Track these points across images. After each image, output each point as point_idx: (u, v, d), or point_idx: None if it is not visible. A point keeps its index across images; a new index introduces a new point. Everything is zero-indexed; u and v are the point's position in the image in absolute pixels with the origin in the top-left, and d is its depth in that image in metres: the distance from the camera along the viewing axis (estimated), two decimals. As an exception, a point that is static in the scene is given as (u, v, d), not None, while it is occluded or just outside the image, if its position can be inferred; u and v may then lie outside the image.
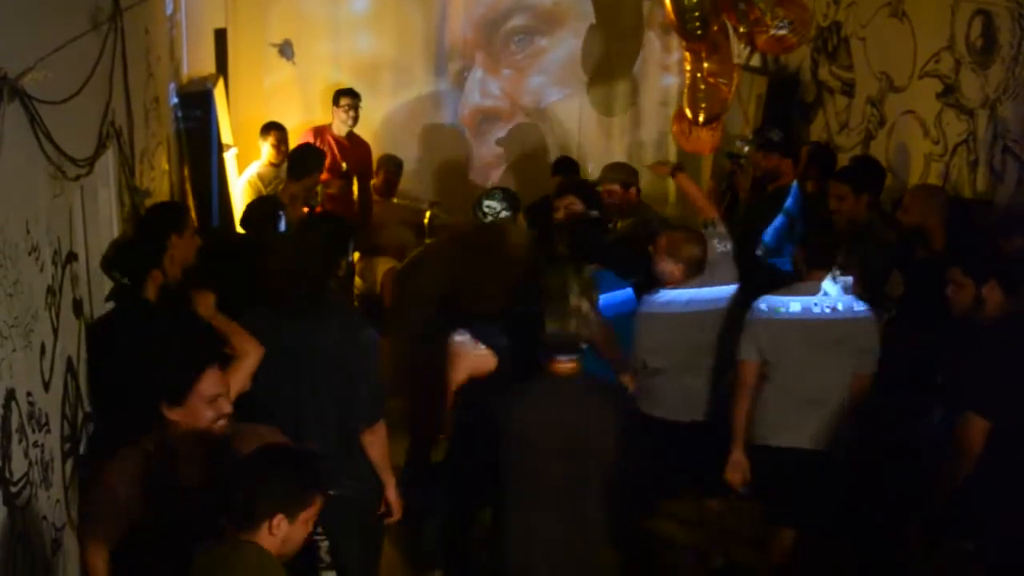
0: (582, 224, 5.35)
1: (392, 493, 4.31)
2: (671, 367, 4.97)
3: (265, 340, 4.01)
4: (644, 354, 4.95)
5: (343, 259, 4.46)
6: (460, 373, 4.41)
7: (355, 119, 8.02)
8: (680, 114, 7.43)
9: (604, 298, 4.77)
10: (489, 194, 5.29)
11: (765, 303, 4.73)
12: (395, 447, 5.79)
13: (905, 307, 5.15)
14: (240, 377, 3.85)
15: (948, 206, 5.33)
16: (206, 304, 4.06)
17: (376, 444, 4.21)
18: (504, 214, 5.12)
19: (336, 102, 8.03)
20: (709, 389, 5.02)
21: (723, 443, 4.81)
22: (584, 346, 3.77)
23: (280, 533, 2.84)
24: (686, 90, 7.24)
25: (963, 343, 4.14)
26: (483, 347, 4.48)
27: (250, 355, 3.92)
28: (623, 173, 6.72)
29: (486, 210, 5.13)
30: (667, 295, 4.97)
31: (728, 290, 5.04)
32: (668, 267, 4.97)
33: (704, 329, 4.98)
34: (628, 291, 5.04)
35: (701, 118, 7.11)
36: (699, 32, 6.71)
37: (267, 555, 2.75)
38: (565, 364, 3.72)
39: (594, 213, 5.60)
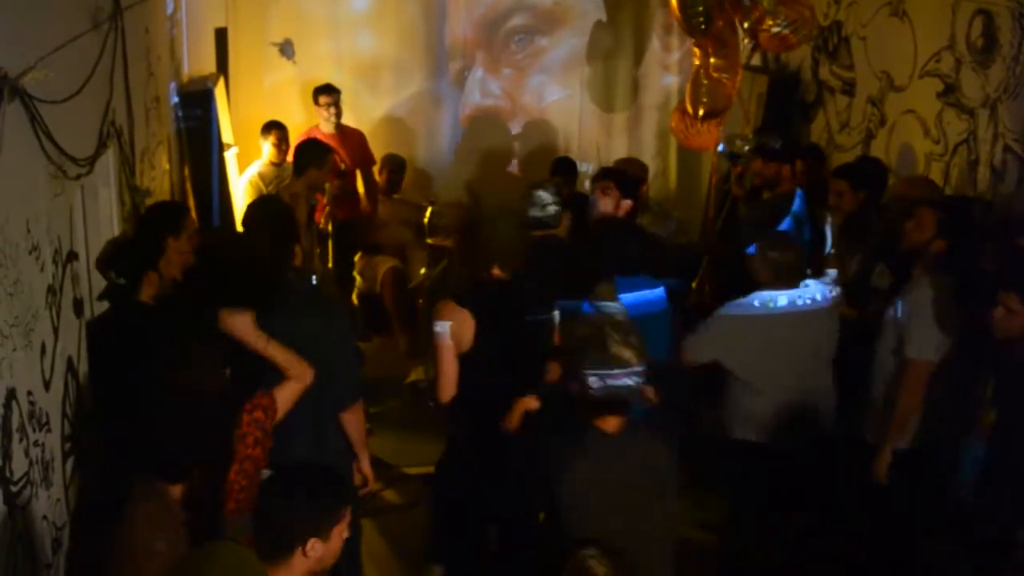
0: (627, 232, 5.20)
1: (366, 465, 4.41)
2: (764, 382, 4.76)
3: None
4: (720, 356, 4.78)
5: (293, 244, 4.45)
6: (447, 366, 4.40)
7: (338, 114, 7.99)
8: (681, 110, 7.44)
9: (635, 297, 4.78)
10: (542, 184, 5.25)
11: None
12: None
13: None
14: (289, 399, 3.85)
15: (939, 198, 5.37)
16: (243, 325, 3.82)
17: (353, 422, 4.31)
18: (552, 208, 5.08)
19: (316, 101, 8.02)
20: (812, 406, 4.84)
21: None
22: (632, 400, 3.59)
23: (316, 554, 2.86)
24: (688, 84, 7.25)
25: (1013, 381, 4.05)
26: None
27: (302, 377, 3.87)
28: (636, 169, 6.72)
29: (535, 200, 5.07)
30: (756, 297, 4.78)
31: (820, 290, 4.85)
32: (757, 267, 4.84)
33: (799, 334, 4.76)
34: (659, 291, 4.97)
35: (700, 112, 7.11)
36: (702, 27, 6.73)
37: (245, 554, 2.69)
38: (613, 421, 3.57)
39: (627, 202, 5.56)
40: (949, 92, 6.12)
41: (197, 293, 4.12)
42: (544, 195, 5.08)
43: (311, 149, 6.88)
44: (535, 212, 5.05)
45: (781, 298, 4.75)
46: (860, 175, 5.97)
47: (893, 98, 6.79)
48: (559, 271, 4.94)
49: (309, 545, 2.84)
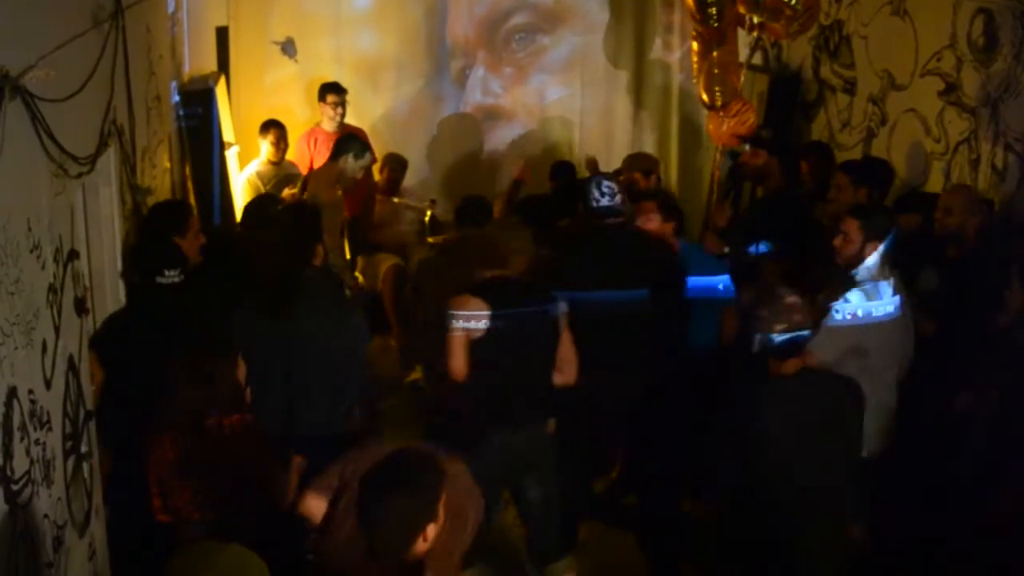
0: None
1: None
2: None
3: (253, 333, 4.14)
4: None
5: (316, 244, 4.49)
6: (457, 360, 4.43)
7: (343, 114, 7.98)
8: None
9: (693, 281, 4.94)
10: (608, 175, 5.28)
11: None
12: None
13: (947, 304, 4.96)
14: None
15: (981, 205, 5.33)
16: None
17: None
18: (619, 197, 5.06)
19: (322, 98, 7.98)
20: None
21: None
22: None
23: (432, 535, 2.89)
24: (701, 76, 7.26)
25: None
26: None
27: None
28: (646, 162, 6.77)
29: (605, 189, 5.05)
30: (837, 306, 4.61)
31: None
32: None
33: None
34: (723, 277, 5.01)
35: (718, 101, 7.15)
36: (714, 21, 6.82)
37: (248, 556, 2.68)
38: (793, 363, 3.82)
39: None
40: (950, 91, 6.12)
41: (211, 291, 4.17)
42: (612, 184, 5.07)
43: (352, 140, 6.88)
44: (606, 201, 5.01)
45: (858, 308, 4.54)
46: (863, 172, 5.97)
47: (894, 97, 6.79)
48: (637, 260, 4.98)
49: (427, 533, 2.86)
